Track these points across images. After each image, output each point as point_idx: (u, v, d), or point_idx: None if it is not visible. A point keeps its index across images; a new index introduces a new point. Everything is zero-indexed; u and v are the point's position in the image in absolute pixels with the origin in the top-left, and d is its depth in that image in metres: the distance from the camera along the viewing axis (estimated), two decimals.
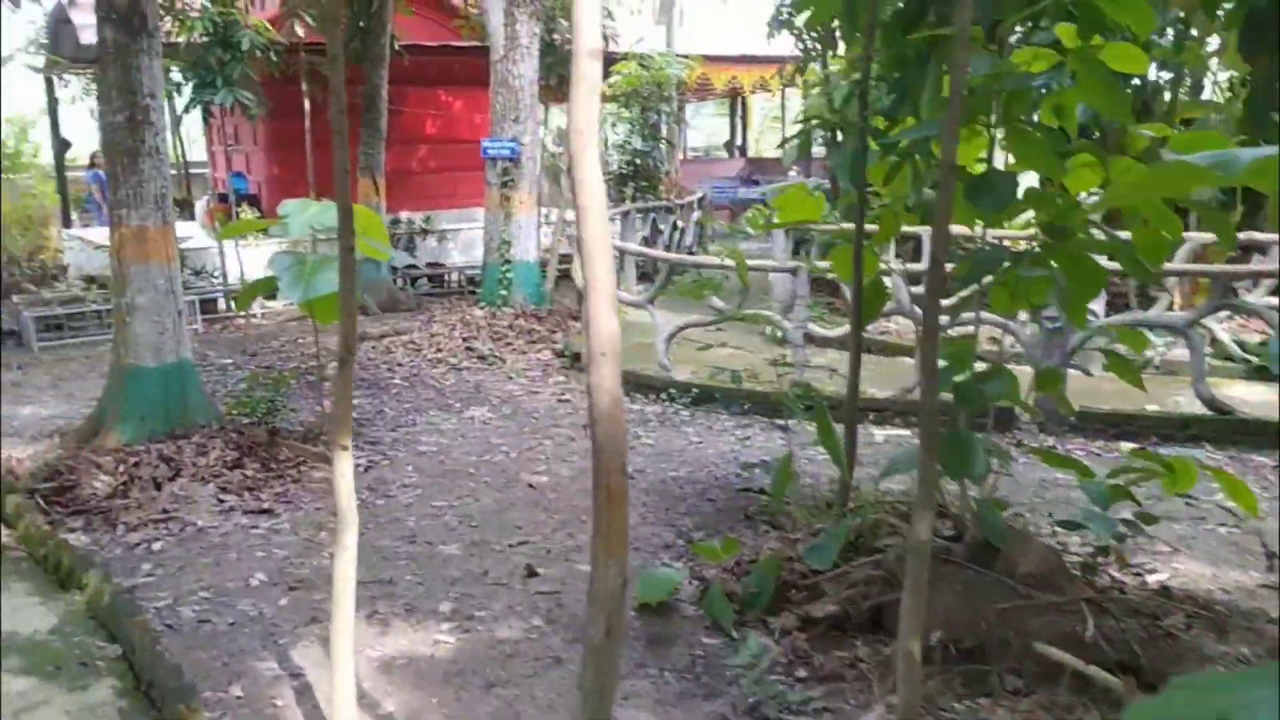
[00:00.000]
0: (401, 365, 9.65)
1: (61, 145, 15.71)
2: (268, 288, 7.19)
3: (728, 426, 7.61)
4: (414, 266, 13.88)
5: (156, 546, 5.49)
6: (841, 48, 11.14)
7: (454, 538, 5.59)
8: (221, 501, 6.07)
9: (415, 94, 15.02)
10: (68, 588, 4.87)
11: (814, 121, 4.88)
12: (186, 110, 12.21)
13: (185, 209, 15.98)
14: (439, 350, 10.06)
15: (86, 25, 12.87)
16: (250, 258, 12.21)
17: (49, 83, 15.26)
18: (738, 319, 8.10)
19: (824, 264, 7.26)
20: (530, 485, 6.42)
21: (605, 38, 14.57)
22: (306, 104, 12.51)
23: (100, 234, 14.68)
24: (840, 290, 10.03)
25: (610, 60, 14.54)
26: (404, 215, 14.44)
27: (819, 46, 12.25)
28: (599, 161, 2.38)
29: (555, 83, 13.66)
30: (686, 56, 13.86)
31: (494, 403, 8.43)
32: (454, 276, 14.02)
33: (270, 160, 15.21)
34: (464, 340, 10.28)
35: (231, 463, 6.43)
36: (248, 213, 13.34)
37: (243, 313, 11.60)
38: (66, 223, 15.99)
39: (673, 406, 8.07)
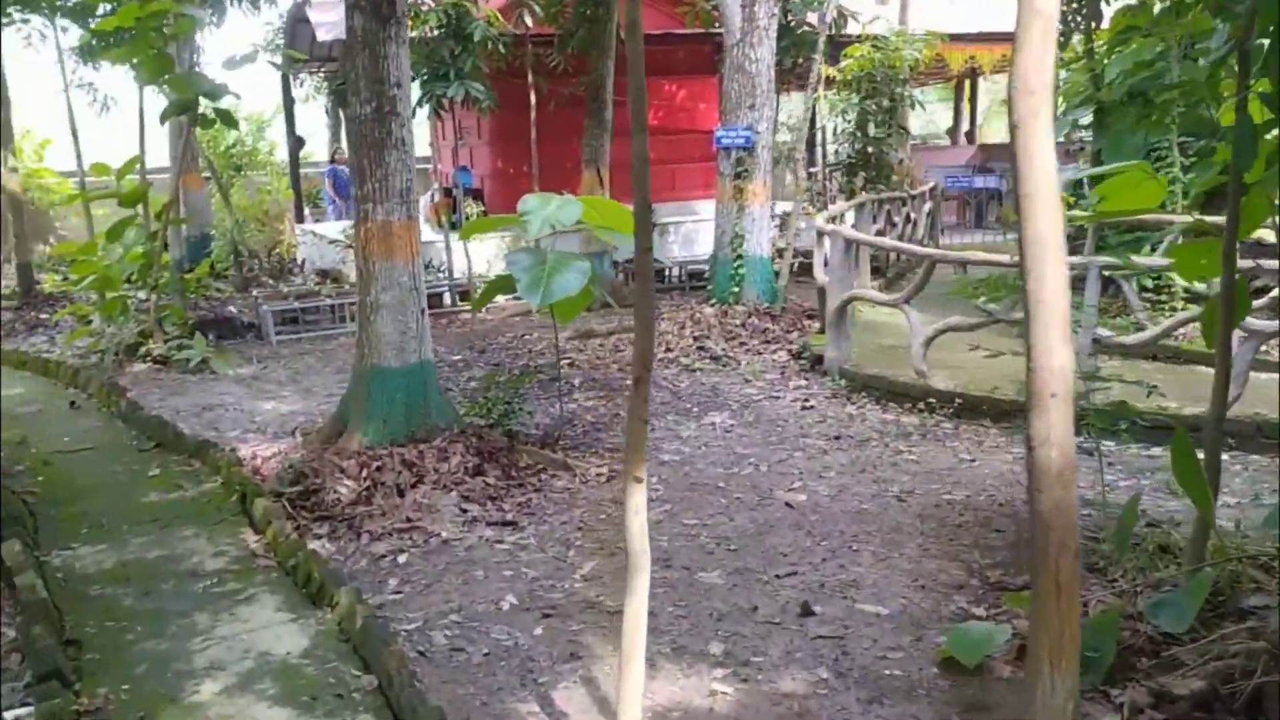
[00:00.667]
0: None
1: (297, 142, 16.16)
2: (505, 287, 6.88)
3: (1000, 443, 6.79)
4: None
5: (402, 559, 5.22)
6: (1106, 20, 10.04)
7: (713, 563, 5.07)
8: (464, 511, 5.77)
9: None
10: (318, 604, 4.62)
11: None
12: (419, 104, 12.19)
13: None
14: (669, 349, 9.59)
15: (322, 24, 13.11)
16: (476, 251, 12.12)
17: (285, 81, 15.72)
18: (1011, 323, 7.22)
19: (1152, 260, 6.34)
20: (788, 504, 5.84)
21: (844, 16, 13.87)
22: (532, 96, 12.31)
23: (331, 229, 15.04)
24: (1113, 288, 8.95)
25: (840, 44, 13.72)
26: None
27: (1079, 19, 11.08)
28: (1050, 134, 1.75)
29: (790, 66, 12.98)
30: (925, 36, 12.87)
31: (733, 408, 7.89)
32: (675, 271, 13.56)
33: (494, 154, 15.19)
34: (695, 339, 9.78)
35: (472, 469, 6.14)
36: (472, 207, 13.29)
37: (478, 310, 11.41)
38: (300, 217, 16.48)
39: (933, 418, 7.29)
